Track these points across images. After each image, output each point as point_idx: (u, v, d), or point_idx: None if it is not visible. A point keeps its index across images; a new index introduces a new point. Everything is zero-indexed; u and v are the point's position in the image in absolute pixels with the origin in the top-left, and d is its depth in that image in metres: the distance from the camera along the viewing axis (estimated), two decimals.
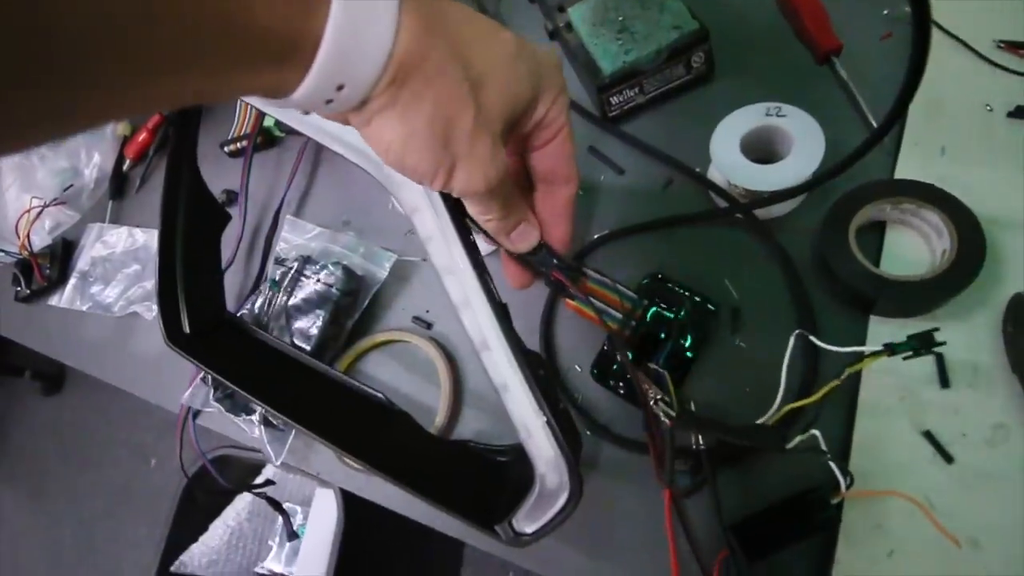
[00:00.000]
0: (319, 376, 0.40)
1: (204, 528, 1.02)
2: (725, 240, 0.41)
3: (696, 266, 0.41)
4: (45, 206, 0.61)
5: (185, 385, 0.49)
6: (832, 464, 0.30)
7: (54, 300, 0.61)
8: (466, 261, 0.30)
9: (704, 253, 0.41)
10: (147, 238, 0.61)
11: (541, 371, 0.29)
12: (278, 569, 1.02)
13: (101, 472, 1.84)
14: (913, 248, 0.37)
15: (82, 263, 0.62)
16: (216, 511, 1.03)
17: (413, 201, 0.33)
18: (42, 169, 0.66)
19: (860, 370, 0.29)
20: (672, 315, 0.37)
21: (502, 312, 0.30)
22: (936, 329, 0.27)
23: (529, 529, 0.28)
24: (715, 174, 0.42)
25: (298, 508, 1.06)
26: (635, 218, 0.44)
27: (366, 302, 0.47)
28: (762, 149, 0.40)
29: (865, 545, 0.31)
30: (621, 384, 0.37)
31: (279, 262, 0.50)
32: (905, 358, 0.27)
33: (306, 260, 0.48)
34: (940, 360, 0.33)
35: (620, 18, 0.46)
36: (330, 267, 0.47)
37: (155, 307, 0.53)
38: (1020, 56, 0.40)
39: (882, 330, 0.35)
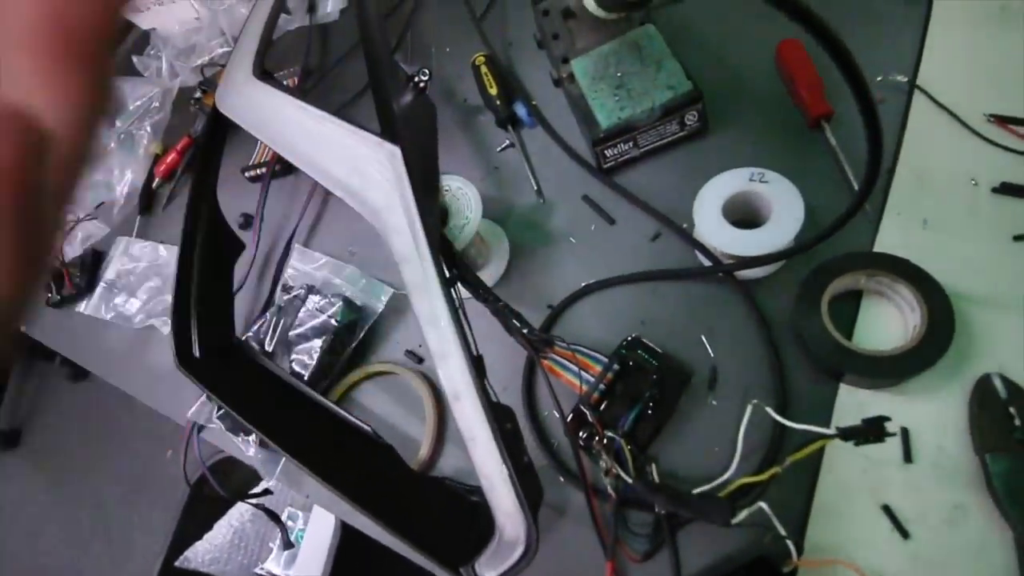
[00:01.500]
0: (313, 405, 0.43)
1: (209, 527, 1.05)
2: (706, 297, 0.43)
3: (677, 320, 0.42)
4: (79, 220, 0.65)
5: (192, 400, 0.52)
6: (783, 536, 0.31)
7: (81, 307, 0.65)
8: (447, 316, 0.32)
9: (685, 308, 0.43)
10: (170, 254, 0.64)
11: (508, 424, 0.31)
12: (277, 571, 1.05)
13: (120, 458, 1.91)
14: (888, 319, 0.37)
15: (109, 273, 0.66)
16: (221, 511, 1.07)
17: (403, 251, 0.35)
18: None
19: (807, 455, 0.30)
20: (644, 380, 0.38)
21: (476, 365, 0.31)
22: (887, 419, 0.28)
23: (489, 575, 0.30)
24: (699, 234, 0.44)
25: (299, 513, 1.09)
26: (623, 268, 0.45)
27: (362, 333, 0.49)
28: (744, 213, 0.41)
29: None
30: (593, 443, 0.38)
31: (286, 289, 0.53)
32: (856, 443, 0.28)
33: (310, 289, 0.51)
34: (905, 435, 0.34)
35: (619, 74, 0.48)
36: (331, 298, 0.49)
37: (158, 321, 0.56)
38: (1009, 132, 0.40)
39: (851, 399, 0.36)
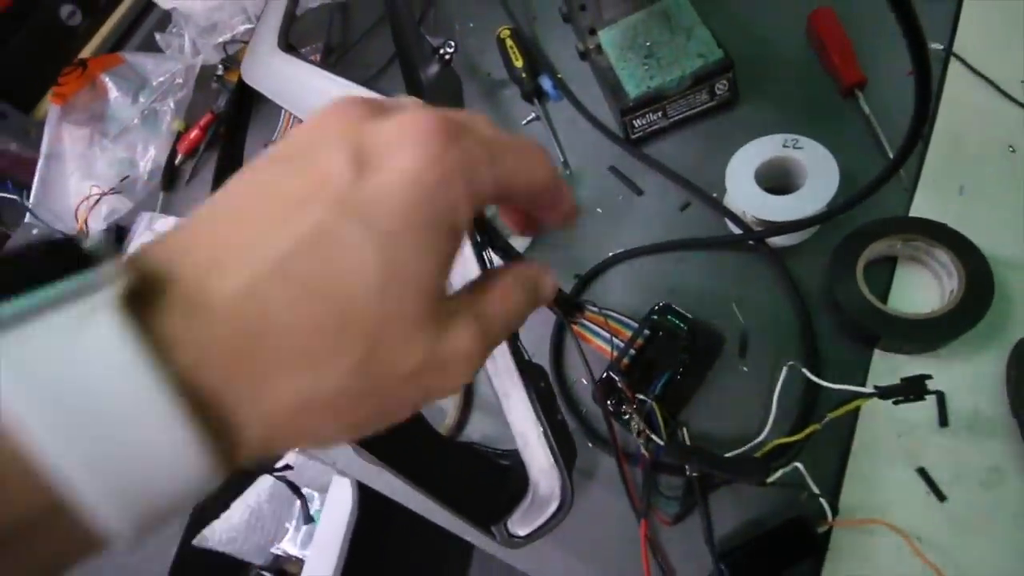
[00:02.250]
0: None
1: (227, 506, 1.07)
2: (736, 265, 0.42)
3: (707, 289, 0.42)
4: (103, 194, 0.66)
5: None
6: (817, 495, 0.31)
7: None
8: (477, 272, 0.32)
9: (715, 277, 0.42)
10: None
11: (542, 383, 0.31)
12: (293, 551, 1.06)
13: None
14: (923, 285, 0.37)
15: (132, 248, 0.67)
16: (239, 491, 1.08)
17: None
18: (102, 159, 0.71)
19: (845, 413, 0.30)
20: (675, 346, 0.38)
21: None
22: (928, 376, 0.28)
23: (522, 532, 0.30)
24: (731, 201, 0.43)
25: (315, 494, 1.10)
26: (651, 238, 0.45)
27: None
28: (777, 179, 0.41)
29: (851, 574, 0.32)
30: (623, 408, 0.38)
31: None
32: (895, 402, 0.28)
33: None
34: (941, 399, 0.33)
35: (648, 43, 0.48)
36: None
37: None
38: None
39: (886, 365, 0.36)
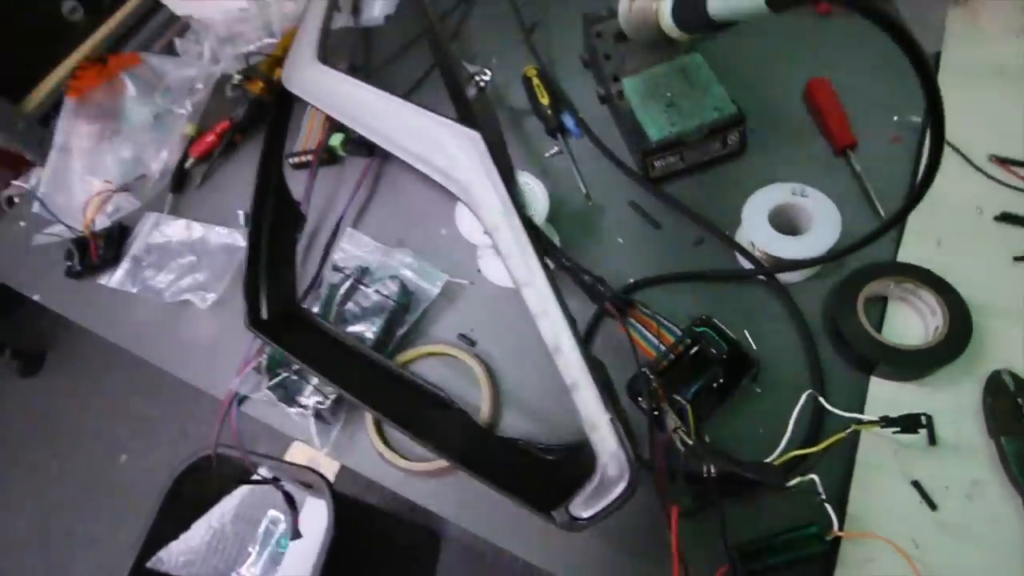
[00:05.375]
0: (382, 369, 0.44)
1: (186, 526, 1.01)
2: (747, 298, 0.47)
3: (719, 317, 0.46)
4: (115, 191, 0.65)
5: (231, 374, 0.52)
6: (827, 505, 0.34)
7: (104, 280, 0.64)
8: (542, 276, 0.35)
9: (728, 307, 0.47)
10: (205, 232, 0.65)
11: (604, 376, 0.34)
12: None
13: (68, 462, 1.80)
14: (909, 323, 0.42)
15: (136, 248, 0.66)
16: (201, 510, 1.03)
17: (493, 220, 0.38)
18: (110, 155, 0.70)
19: (846, 437, 0.34)
20: (711, 358, 0.41)
21: (573, 321, 0.34)
22: (924, 415, 0.33)
23: (585, 515, 0.32)
24: (741, 238, 0.48)
25: (281, 516, 1.07)
26: (667, 268, 0.49)
27: (417, 315, 0.51)
28: (785, 222, 0.46)
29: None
30: (654, 407, 0.41)
31: (337, 269, 0.54)
32: (894, 432, 0.32)
33: (364, 271, 0.53)
34: (930, 421, 0.38)
35: (668, 94, 0.53)
36: (387, 280, 0.51)
37: (210, 296, 0.56)
38: (1007, 170, 0.47)
39: (881, 390, 0.41)
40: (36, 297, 0.68)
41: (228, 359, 0.54)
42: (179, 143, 0.72)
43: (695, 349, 0.42)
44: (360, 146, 0.64)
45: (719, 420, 0.42)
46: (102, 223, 0.67)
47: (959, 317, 0.39)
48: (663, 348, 0.40)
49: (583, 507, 0.33)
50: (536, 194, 0.47)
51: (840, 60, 0.56)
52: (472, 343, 0.50)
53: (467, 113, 0.45)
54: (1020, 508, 0.35)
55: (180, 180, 0.71)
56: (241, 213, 0.65)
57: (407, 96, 0.69)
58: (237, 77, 0.73)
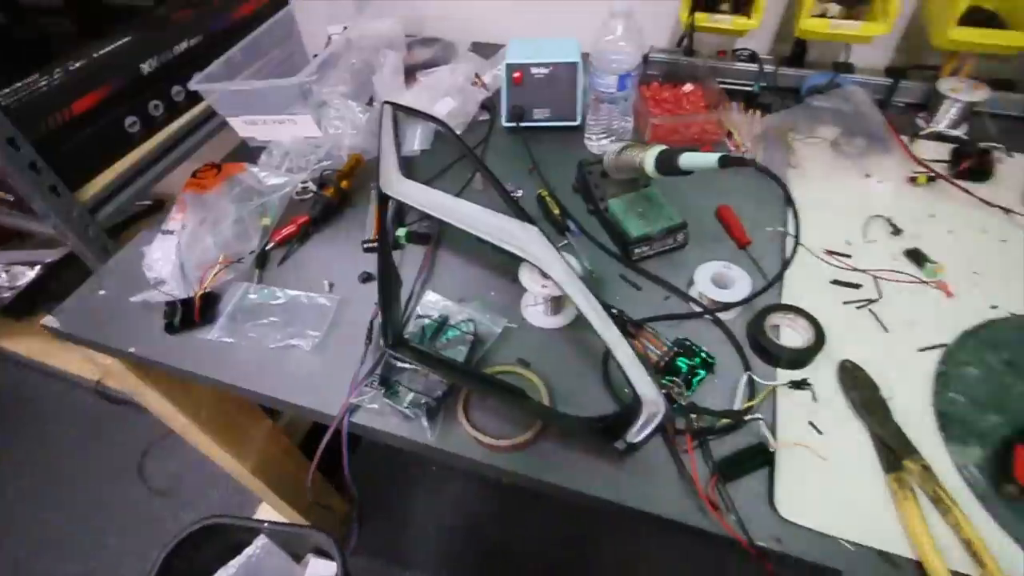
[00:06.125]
0: (475, 373, 0.65)
1: None
2: (701, 328, 0.75)
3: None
4: (231, 262, 0.83)
5: (340, 396, 0.69)
6: (767, 432, 0.60)
7: (204, 334, 0.80)
8: (598, 308, 0.60)
9: (690, 335, 0.74)
10: (294, 296, 0.83)
11: (642, 360, 0.58)
12: None
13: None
14: (793, 336, 0.72)
15: (231, 308, 0.82)
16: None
17: (563, 279, 0.64)
18: (210, 238, 0.88)
19: (774, 391, 0.61)
20: (688, 360, 0.68)
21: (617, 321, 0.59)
22: (806, 381, 0.61)
23: (638, 439, 0.54)
24: (693, 292, 0.77)
25: None
26: (648, 315, 0.77)
27: (487, 347, 0.73)
28: (719, 282, 0.76)
29: (790, 468, 0.60)
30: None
31: (421, 317, 0.76)
32: (792, 388, 0.60)
33: (446, 317, 0.75)
34: (812, 390, 0.66)
35: (639, 210, 0.85)
36: (464, 322, 0.74)
37: (312, 339, 0.75)
38: (835, 257, 0.81)
39: (784, 374, 0.68)
40: (132, 350, 0.81)
41: (334, 386, 0.71)
42: (260, 232, 0.92)
43: (679, 353, 0.68)
44: (421, 237, 0.89)
45: (695, 396, 0.67)
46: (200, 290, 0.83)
47: (818, 332, 0.69)
48: (660, 353, 0.66)
49: (636, 435, 0.56)
50: (574, 263, 0.74)
51: (737, 192, 0.92)
52: (527, 364, 0.73)
53: (521, 214, 0.72)
54: (862, 428, 0.63)
55: (263, 260, 0.90)
56: (326, 282, 0.85)
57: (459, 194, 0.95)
58: (313, 184, 0.97)
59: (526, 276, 0.73)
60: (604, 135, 1.01)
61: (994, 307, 0.74)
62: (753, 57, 1.14)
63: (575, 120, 1.06)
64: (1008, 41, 0.92)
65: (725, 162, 0.64)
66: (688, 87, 1.09)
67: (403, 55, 1.28)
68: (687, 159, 0.67)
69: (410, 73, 1.26)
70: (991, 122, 1.01)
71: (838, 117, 1.01)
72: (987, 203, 0.87)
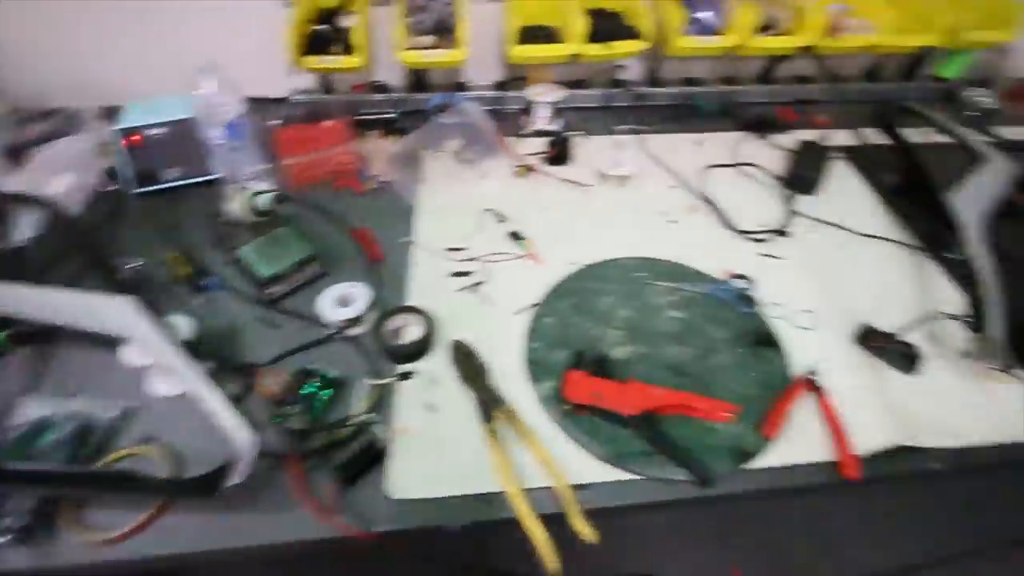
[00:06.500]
0: (67, 476, 0.60)
1: None
2: (340, 349, 0.79)
3: (321, 363, 0.77)
4: None
5: None
6: (383, 424, 0.67)
7: None
8: (185, 364, 0.60)
9: (325, 356, 0.78)
10: None
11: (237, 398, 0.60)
12: None
13: None
14: (412, 332, 0.80)
15: None
16: None
17: (154, 349, 0.62)
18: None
19: (392, 387, 0.68)
20: (315, 384, 0.72)
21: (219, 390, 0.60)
22: (411, 373, 0.69)
23: (232, 483, 0.55)
24: (323, 318, 0.82)
25: None
26: (287, 347, 0.79)
27: (95, 440, 0.68)
28: (344, 301, 0.82)
29: (405, 453, 0.67)
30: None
31: (10, 428, 0.67)
32: (400, 379, 0.68)
33: (42, 420, 0.68)
34: (421, 376, 0.75)
35: (272, 251, 0.87)
36: (65, 421, 0.68)
37: None
38: (455, 254, 0.93)
39: (415, 366, 0.76)
40: None
41: None
42: None
43: (304, 380, 0.72)
44: (26, 337, 0.79)
45: (334, 414, 0.71)
46: None
47: (429, 322, 0.79)
48: (283, 386, 0.69)
49: (237, 477, 0.57)
50: (183, 326, 0.73)
51: (373, 213, 0.99)
52: (149, 440, 0.69)
53: (121, 287, 0.69)
54: (469, 398, 0.73)
55: None
56: None
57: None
58: None
59: (130, 352, 0.70)
60: (241, 183, 1.02)
61: (572, 264, 0.92)
62: (383, 88, 1.26)
63: (212, 174, 1.05)
64: (557, 52, 1.16)
65: None
66: (328, 123, 1.16)
67: (11, 134, 1.13)
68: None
69: (24, 151, 1.12)
70: (574, 115, 1.26)
71: (459, 130, 1.16)
72: (569, 181, 1.08)
